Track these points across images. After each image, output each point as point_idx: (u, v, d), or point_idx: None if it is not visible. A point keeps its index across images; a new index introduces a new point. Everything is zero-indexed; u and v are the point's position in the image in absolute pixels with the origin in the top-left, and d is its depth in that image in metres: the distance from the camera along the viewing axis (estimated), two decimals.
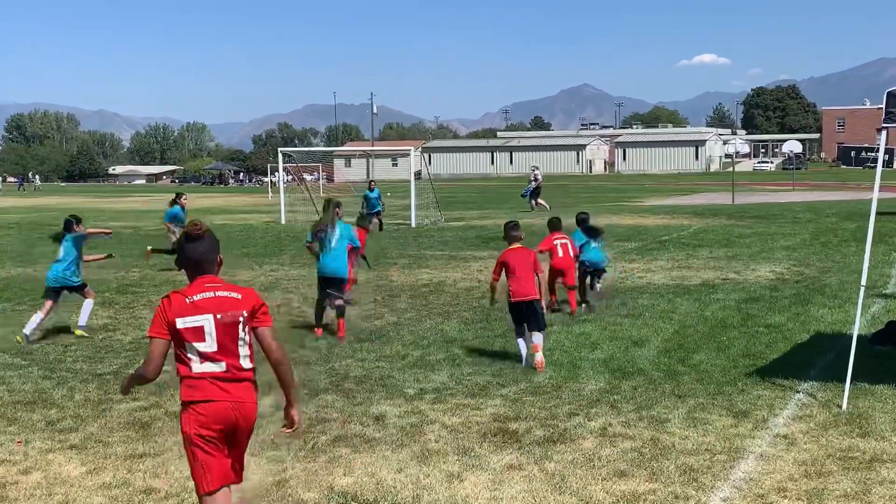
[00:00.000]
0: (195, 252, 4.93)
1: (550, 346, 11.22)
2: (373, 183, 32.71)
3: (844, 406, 8.32)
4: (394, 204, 50.85)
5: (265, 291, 16.67)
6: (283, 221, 37.25)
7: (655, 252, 22.53)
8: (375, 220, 31.15)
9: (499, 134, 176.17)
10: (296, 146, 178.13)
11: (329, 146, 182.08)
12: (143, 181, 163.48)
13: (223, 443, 4.82)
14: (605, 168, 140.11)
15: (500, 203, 46.99)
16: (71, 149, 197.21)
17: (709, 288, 16.13)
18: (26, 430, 8.06)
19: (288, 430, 5.10)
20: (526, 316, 10.36)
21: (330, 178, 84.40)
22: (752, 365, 10.12)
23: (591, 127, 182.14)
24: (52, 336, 12.48)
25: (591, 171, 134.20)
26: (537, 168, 43.57)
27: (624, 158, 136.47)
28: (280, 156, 41.03)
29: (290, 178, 54.89)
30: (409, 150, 40.61)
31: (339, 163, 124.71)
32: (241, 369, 4.84)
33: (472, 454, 7.27)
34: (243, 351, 4.86)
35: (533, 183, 42.76)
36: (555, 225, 14.23)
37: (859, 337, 8.99)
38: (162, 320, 4.80)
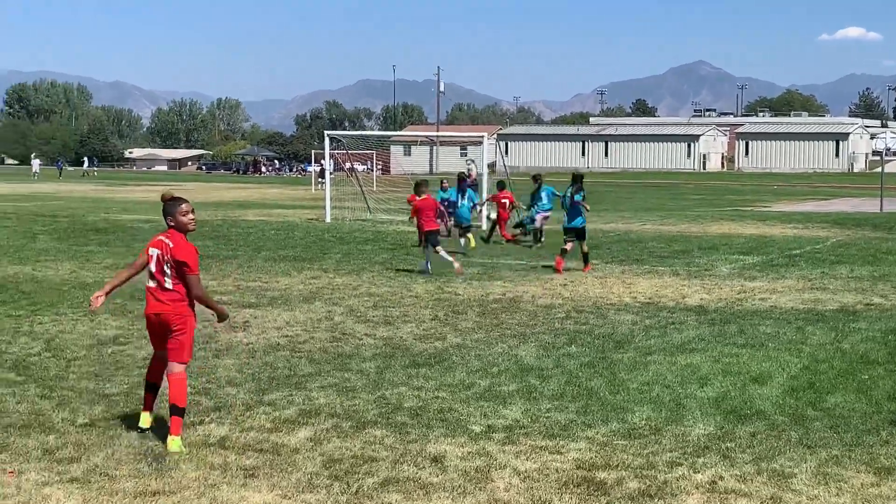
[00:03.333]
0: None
1: (649, 380, 11.17)
2: (540, 177, 29.65)
3: None
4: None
5: (304, 303, 16.83)
6: (328, 219, 37.59)
7: (783, 269, 22.26)
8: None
9: (592, 120, 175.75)
10: (346, 129, 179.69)
11: (386, 130, 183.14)
12: (165, 167, 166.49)
13: (157, 327, 8.99)
14: (723, 164, 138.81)
15: (593, 203, 46.80)
16: (81, 126, 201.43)
17: (848, 315, 15.88)
18: (20, 458, 8.24)
19: (218, 323, 9.76)
20: (429, 239, 21.50)
21: (386, 169, 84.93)
22: None
23: (707, 113, 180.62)
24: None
25: (704, 168, 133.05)
26: (473, 162, 42.04)
27: (746, 153, 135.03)
28: (327, 140, 41.45)
29: (341, 167, 55.28)
30: (482, 136, 40.73)
31: (396, 150, 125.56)
32: (165, 288, 8.87)
33: None
34: (168, 279, 8.87)
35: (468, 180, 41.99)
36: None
37: None
38: (146, 247, 9.14)
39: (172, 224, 8.95)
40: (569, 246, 21.88)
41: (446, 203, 28.96)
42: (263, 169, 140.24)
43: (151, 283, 8.90)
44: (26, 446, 8.52)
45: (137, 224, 34.66)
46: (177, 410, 8.61)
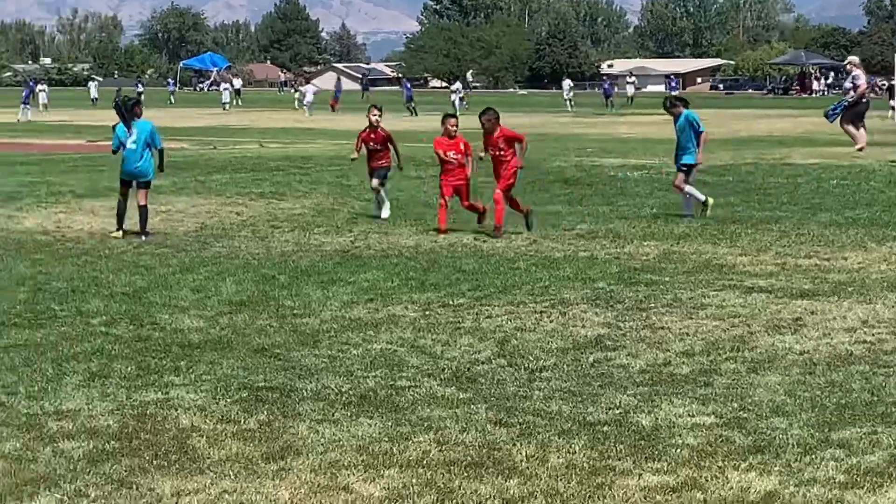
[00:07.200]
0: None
1: None
2: None
3: None
4: None
5: (891, 291, 16.52)
6: None
7: None
8: None
9: None
10: None
11: None
12: (661, 87, 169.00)
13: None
14: None
15: None
16: (538, 28, 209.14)
17: None
18: None
19: None
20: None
21: None
22: None
23: None
24: None
25: None
26: (855, 65, 39.88)
27: None
28: None
29: None
30: None
31: None
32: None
33: None
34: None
35: (851, 93, 39.21)
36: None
37: None
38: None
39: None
40: None
41: None
42: (815, 85, 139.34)
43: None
44: (477, 493, 8.92)
45: (623, 173, 35.51)
46: None
